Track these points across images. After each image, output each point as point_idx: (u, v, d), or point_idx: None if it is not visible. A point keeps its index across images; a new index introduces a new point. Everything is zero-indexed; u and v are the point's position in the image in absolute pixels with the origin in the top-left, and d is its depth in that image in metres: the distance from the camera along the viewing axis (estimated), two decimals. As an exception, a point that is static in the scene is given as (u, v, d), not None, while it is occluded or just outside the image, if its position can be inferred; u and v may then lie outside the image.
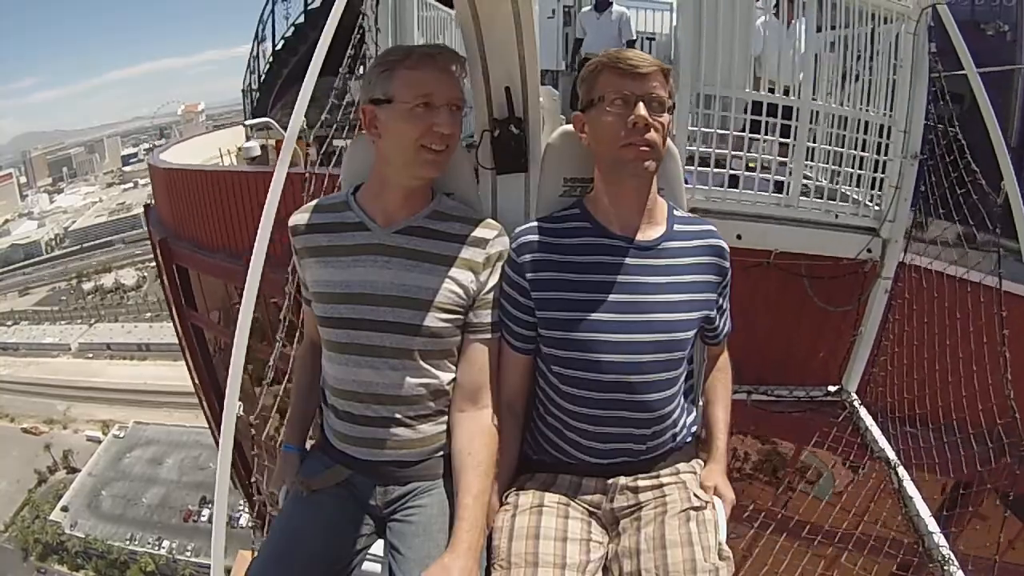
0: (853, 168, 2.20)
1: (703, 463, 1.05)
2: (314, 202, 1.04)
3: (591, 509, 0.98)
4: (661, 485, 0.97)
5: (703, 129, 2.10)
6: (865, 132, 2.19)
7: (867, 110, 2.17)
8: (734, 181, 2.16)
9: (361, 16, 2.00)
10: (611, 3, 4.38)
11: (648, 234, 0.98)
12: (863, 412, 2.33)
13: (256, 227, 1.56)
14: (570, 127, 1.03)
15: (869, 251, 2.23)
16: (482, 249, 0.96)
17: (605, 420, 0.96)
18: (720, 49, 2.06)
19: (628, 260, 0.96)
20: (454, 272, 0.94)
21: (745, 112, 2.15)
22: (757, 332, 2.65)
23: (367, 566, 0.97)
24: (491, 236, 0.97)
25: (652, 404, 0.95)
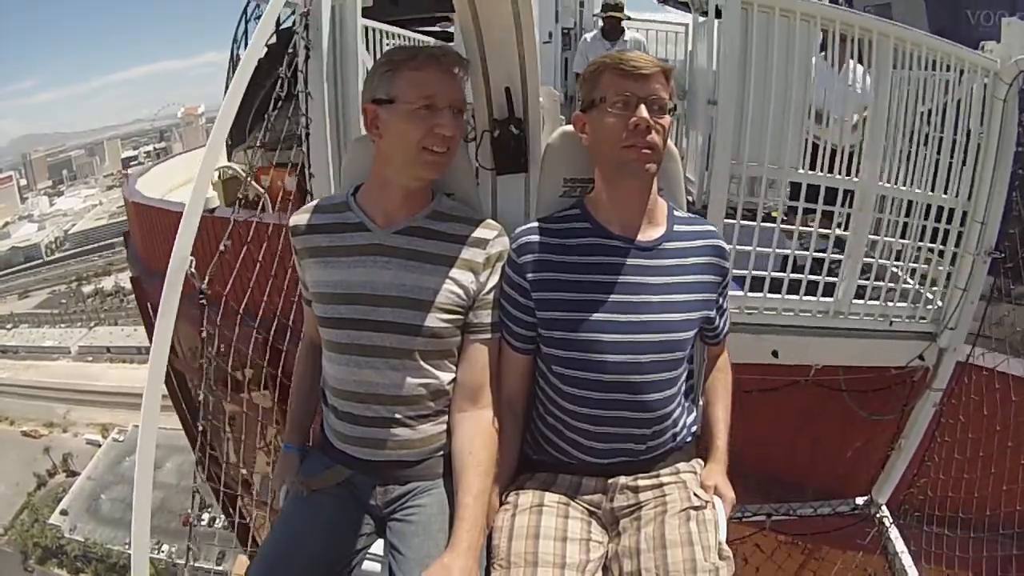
0: (916, 263, 1.83)
1: (703, 463, 1.04)
2: (314, 202, 1.04)
3: (591, 509, 0.98)
4: (661, 485, 0.97)
5: (742, 222, 1.69)
6: (930, 218, 1.79)
7: (938, 192, 1.78)
8: (773, 285, 1.77)
9: (284, 72, 1.65)
10: (623, 28, 3.69)
11: (648, 234, 0.98)
12: (894, 533, 2.06)
13: (229, 275, 1.49)
14: (570, 127, 1.03)
15: (922, 359, 1.88)
16: (482, 249, 0.96)
17: (605, 420, 0.96)
18: (771, 114, 1.67)
19: (628, 260, 0.96)
20: (454, 272, 0.94)
21: (795, 198, 1.75)
22: (777, 443, 2.33)
23: (367, 566, 0.97)
24: (491, 236, 0.97)
25: (652, 404, 0.95)
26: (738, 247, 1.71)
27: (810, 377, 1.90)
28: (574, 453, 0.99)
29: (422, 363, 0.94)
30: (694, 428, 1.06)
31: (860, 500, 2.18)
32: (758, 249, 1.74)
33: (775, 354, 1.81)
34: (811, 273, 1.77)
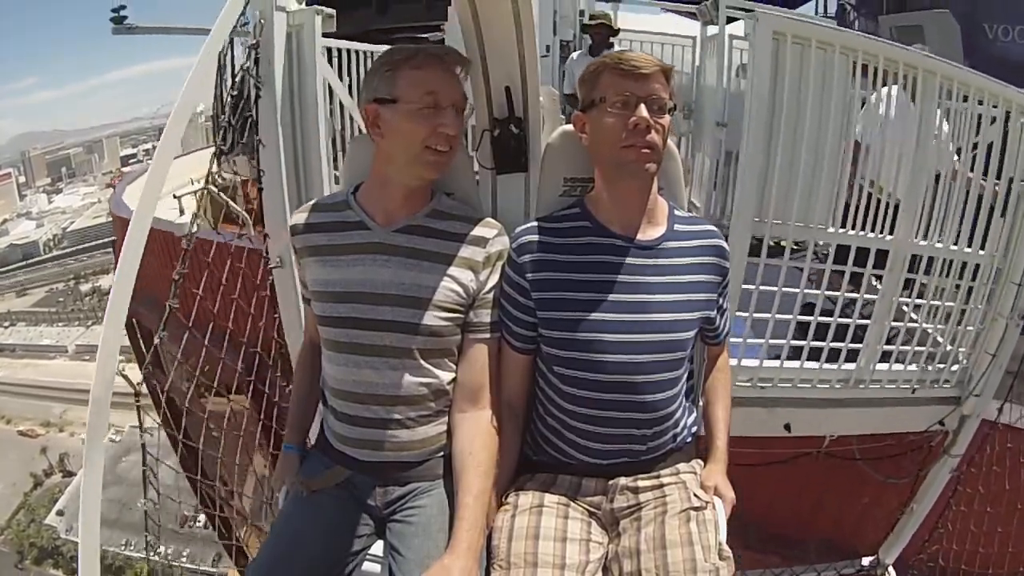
0: (944, 324, 1.67)
1: (703, 463, 1.04)
2: (313, 201, 1.04)
3: (591, 509, 0.97)
4: (661, 485, 0.97)
5: (762, 287, 1.54)
6: (953, 274, 1.63)
7: (975, 249, 1.62)
8: (791, 351, 1.62)
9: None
10: (612, 43, 3.43)
11: (649, 234, 0.98)
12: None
13: (214, 300, 1.40)
14: (570, 127, 1.03)
15: (942, 424, 1.74)
16: (482, 248, 0.96)
17: (606, 420, 0.96)
18: (802, 165, 1.47)
19: (629, 260, 0.96)
20: (454, 271, 0.94)
21: (820, 260, 1.58)
22: (781, 501, 2.17)
23: (367, 566, 0.97)
24: (491, 235, 0.97)
25: (653, 404, 0.95)
26: (755, 314, 1.57)
27: (823, 449, 1.76)
28: (574, 454, 0.99)
29: (422, 362, 0.93)
30: (694, 428, 1.06)
31: (866, 560, 2.04)
32: (778, 316, 1.58)
33: (787, 427, 1.66)
34: (831, 339, 1.62)
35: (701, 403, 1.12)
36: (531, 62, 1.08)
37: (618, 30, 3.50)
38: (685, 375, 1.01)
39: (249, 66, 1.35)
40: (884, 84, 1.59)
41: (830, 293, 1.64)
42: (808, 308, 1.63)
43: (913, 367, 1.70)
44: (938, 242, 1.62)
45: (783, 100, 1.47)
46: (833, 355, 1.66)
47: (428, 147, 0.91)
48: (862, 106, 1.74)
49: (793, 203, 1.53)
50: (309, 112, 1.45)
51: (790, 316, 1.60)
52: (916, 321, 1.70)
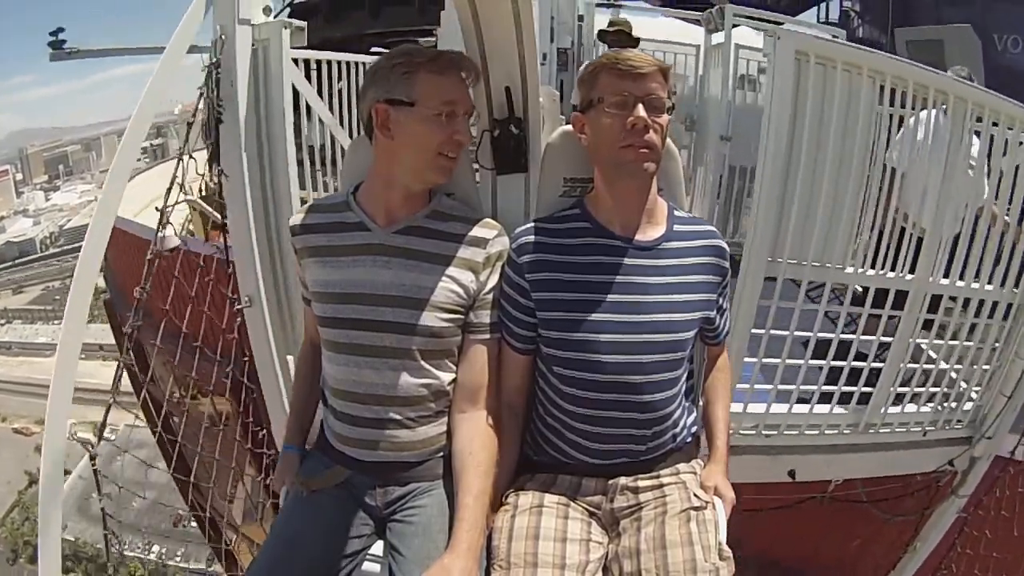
0: (960, 364, 1.60)
1: (703, 463, 1.04)
2: (313, 201, 1.04)
3: (591, 509, 0.97)
4: (661, 485, 0.97)
5: (773, 331, 1.45)
6: (978, 314, 1.55)
7: (995, 287, 1.54)
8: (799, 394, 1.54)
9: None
10: None
11: (648, 234, 0.98)
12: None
13: (201, 311, 1.35)
14: (569, 127, 1.03)
15: (951, 464, 1.68)
16: (482, 249, 0.96)
17: (606, 420, 0.96)
18: (823, 198, 1.36)
19: (628, 260, 0.96)
20: (454, 272, 0.94)
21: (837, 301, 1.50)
22: (780, 543, 2.12)
23: (367, 566, 0.97)
24: (491, 236, 0.97)
25: (653, 404, 0.95)
26: (765, 359, 1.48)
27: (828, 493, 1.70)
28: (574, 454, 0.99)
29: (422, 363, 0.93)
30: (694, 428, 1.06)
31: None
32: (788, 361, 1.49)
33: (792, 474, 1.60)
34: (844, 382, 1.54)
35: (701, 403, 1.12)
36: (531, 62, 1.08)
37: (638, 39, 3.18)
38: (685, 375, 1.01)
39: (209, 88, 1.21)
40: (923, 107, 1.47)
41: (845, 336, 1.53)
42: (819, 349, 1.56)
43: (927, 407, 1.62)
44: (961, 280, 1.51)
45: (804, 126, 1.34)
46: (843, 397, 1.58)
47: (441, 153, 0.92)
48: (896, 129, 1.59)
49: (811, 240, 1.40)
50: (277, 139, 1.29)
51: (801, 361, 1.50)
52: (933, 362, 1.61)
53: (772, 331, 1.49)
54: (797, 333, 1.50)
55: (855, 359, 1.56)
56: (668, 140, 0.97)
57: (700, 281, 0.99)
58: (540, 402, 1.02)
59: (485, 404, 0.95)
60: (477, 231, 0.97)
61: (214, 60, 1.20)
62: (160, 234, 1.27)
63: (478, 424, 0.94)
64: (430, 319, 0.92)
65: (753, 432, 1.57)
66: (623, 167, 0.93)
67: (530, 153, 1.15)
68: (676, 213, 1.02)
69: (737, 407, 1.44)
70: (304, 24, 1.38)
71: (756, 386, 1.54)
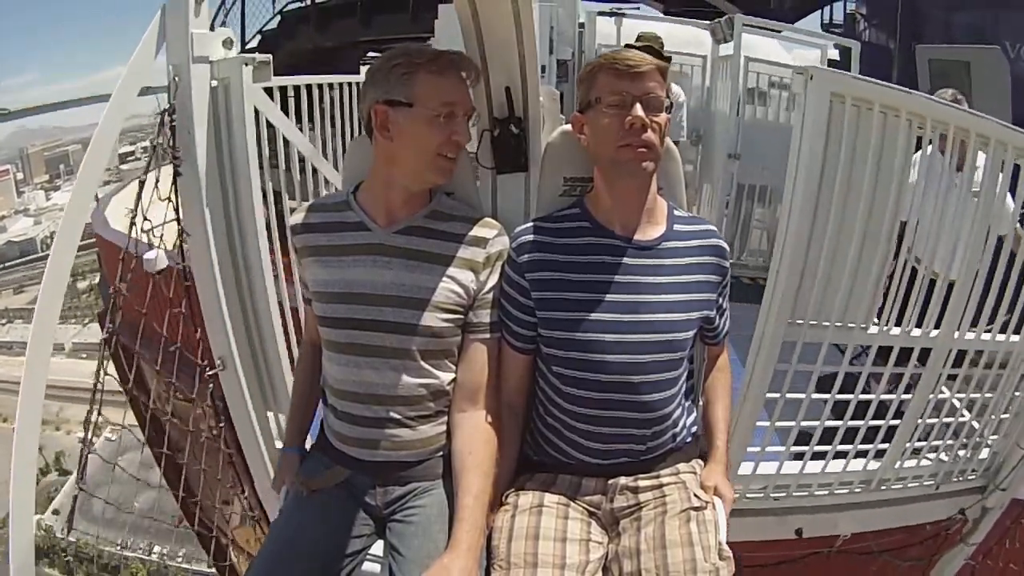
0: (977, 415, 1.52)
1: (703, 463, 1.04)
2: (314, 201, 1.04)
3: (591, 509, 0.97)
4: (661, 485, 0.97)
5: (789, 395, 1.37)
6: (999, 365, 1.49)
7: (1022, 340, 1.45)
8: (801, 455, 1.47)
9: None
10: None
11: (648, 234, 0.98)
12: None
13: (178, 326, 1.22)
14: (569, 127, 1.03)
15: (963, 513, 1.62)
16: (482, 248, 0.96)
17: (605, 420, 0.96)
18: (851, 253, 1.25)
19: (628, 260, 0.96)
20: (454, 271, 0.94)
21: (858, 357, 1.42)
22: None
23: (367, 566, 0.97)
24: (491, 236, 0.97)
25: (653, 404, 0.95)
26: (779, 423, 1.40)
27: (835, 548, 1.60)
28: (574, 453, 0.99)
29: (422, 363, 0.93)
30: (694, 428, 1.06)
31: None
32: (803, 424, 1.41)
33: (799, 532, 1.52)
34: (852, 439, 1.46)
35: (701, 403, 1.12)
36: (531, 62, 1.08)
37: (669, 57, 3.26)
38: (685, 375, 1.01)
39: (163, 137, 1.07)
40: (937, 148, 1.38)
41: (864, 397, 1.44)
42: (833, 406, 1.47)
43: (943, 458, 1.56)
44: (986, 332, 1.42)
45: (835, 175, 1.21)
46: (855, 452, 1.52)
47: (440, 155, 0.92)
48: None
49: (834, 300, 1.28)
50: (243, 192, 1.14)
51: (816, 423, 1.41)
52: (953, 415, 1.54)
53: (789, 395, 1.38)
54: (815, 396, 1.40)
55: (866, 413, 1.48)
56: (668, 139, 0.97)
57: (700, 281, 0.99)
58: (540, 402, 1.02)
59: (485, 404, 0.95)
60: (477, 231, 0.97)
61: (168, 106, 1.07)
62: (147, 255, 1.18)
63: (478, 424, 0.94)
64: (430, 319, 0.92)
65: (761, 494, 1.49)
66: (622, 167, 0.93)
67: (530, 153, 1.14)
68: (676, 213, 1.02)
69: (746, 468, 1.40)
70: (268, 57, 1.26)
71: (768, 448, 1.46)
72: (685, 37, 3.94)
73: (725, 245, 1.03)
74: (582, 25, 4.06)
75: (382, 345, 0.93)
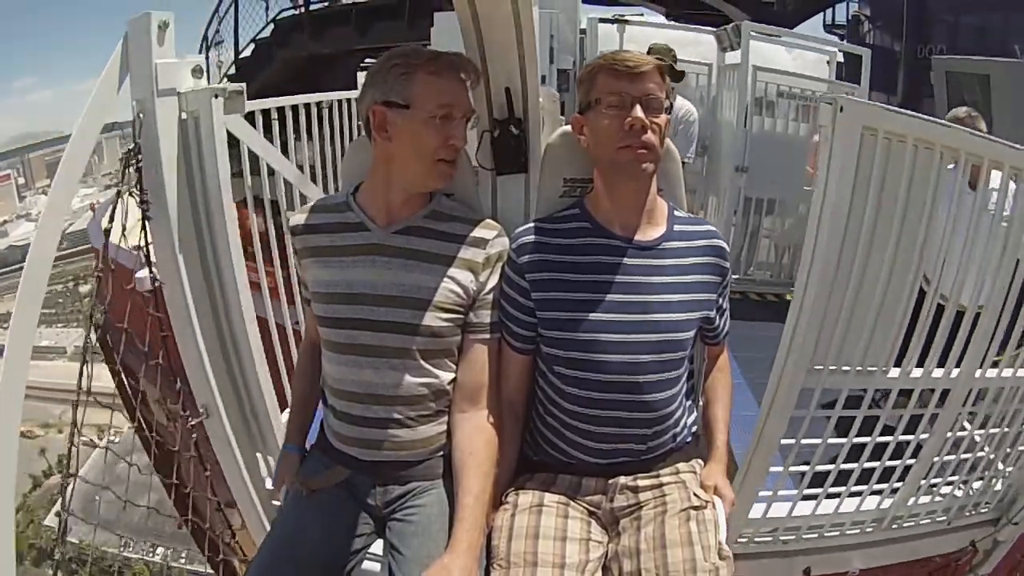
0: (992, 450, 1.47)
1: (703, 463, 1.04)
2: (314, 202, 1.05)
3: (591, 509, 0.98)
4: (661, 485, 0.97)
5: (804, 440, 1.32)
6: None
7: None
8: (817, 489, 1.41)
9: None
10: (671, 88, 2.69)
11: (648, 234, 0.98)
12: None
13: (145, 338, 1.14)
14: (569, 128, 1.03)
15: (973, 546, 1.58)
16: (482, 249, 0.96)
17: (606, 420, 0.96)
18: (877, 295, 1.17)
19: (628, 260, 0.96)
20: (454, 272, 0.94)
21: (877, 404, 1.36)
22: None
23: (367, 566, 0.98)
24: (491, 236, 0.97)
25: (653, 404, 0.96)
26: (792, 468, 1.35)
27: None
28: (574, 453, 0.99)
29: (422, 363, 0.94)
30: (694, 428, 1.06)
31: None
32: (818, 469, 1.36)
33: (807, 572, 1.47)
34: (867, 478, 1.41)
35: (701, 403, 1.12)
36: (531, 63, 1.08)
37: (682, 73, 2.81)
38: (685, 375, 1.01)
39: (128, 177, 0.97)
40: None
41: (883, 439, 1.38)
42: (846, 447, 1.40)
43: (957, 493, 1.52)
44: (1007, 371, 1.35)
45: (861, 214, 1.12)
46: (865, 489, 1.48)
47: (439, 159, 0.92)
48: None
49: (856, 344, 1.21)
50: (219, 231, 1.05)
51: (831, 466, 1.35)
52: (971, 450, 1.48)
53: (804, 441, 1.32)
54: (831, 441, 1.34)
55: (883, 454, 1.43)
56: (667, 140, 0.97)
57: (700, 281, 0.99)
58: (540, 402, 1.02)
59: (485, 404, 0.96)
60: (477, 231, 0.97)
61: (133, 145, 0.99)
62: (139, 275, 1.11)
63: (478, 424, 0.94)
64: (430, 319, 0.92)
65: (770, 538, 1.43)
66: (622, 168, 0.93)
67: (530, 153, 1.15)
68: (676, 213, 1.03)
69: (757, 511, 1.35)
70: (241, 87, 1.14)
71: (780, 492, 1.41)
72: (689, 42, 3.90)
73: (725, 245, 1.03)
74: (583, 31, 3.94)
75: (382, 345, 0.93)
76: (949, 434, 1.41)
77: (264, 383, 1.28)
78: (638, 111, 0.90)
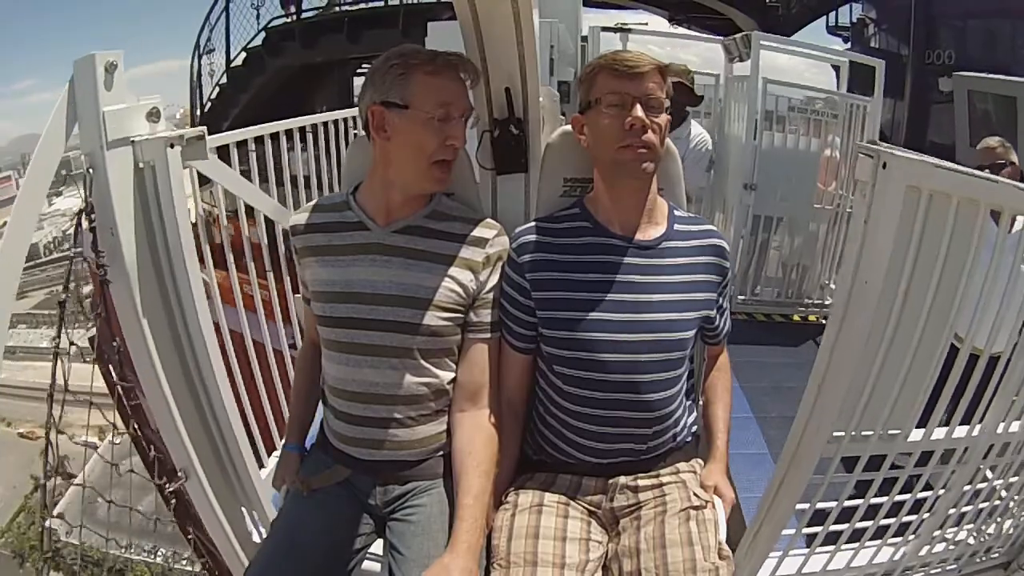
0: (1010, 498, 1.40)
1: (703, 463, 1.04)
2: (314, 201, 1.04)
3: (591, 509, 0.97)
4: (661, 484, 0.97)
5: (822, 504, 1.25)
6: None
7: None
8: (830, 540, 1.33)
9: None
10: (687, 112, 2.56)
11: (648, 234, 0.98)
12: None
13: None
14: (570, 127, 1.03)
15: None
16: (482, 249, 0.96)
17: (606, 420, 0.96)
18: (908, 360, 1.08)
19: (628, 260, 0.96)
20: (453, 271, 0.94)
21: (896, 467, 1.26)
22: None
23: (367, 565, 0.98)
24: (491, 236, 0.97)
25: (653, 404, 0.95)
26: (806, 530, 1.31)
27: None
28: (574, 453, 0.99)
29: (422, 362, 0.93)
30: (694, 428, 1.06)
31: None
32: (832, 528, 1.30)
33: None
34: (881, 534, 1.35)
35: (701, 402, 1.12)
36: (531, 62, 1.07)
37: (701, 97, 2.71)
38: (685, 375, 1.01)
39: (79, 238, 0.88)
40: None
41: (900, 497, 1.31)
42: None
43: (970, 541, 1.45)
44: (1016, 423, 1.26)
45: (899, 277, 1.01)
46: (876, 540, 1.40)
47: (436, 161, 0.91)
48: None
49: (879, 411, 1.13)
50: (184, 289, 0.97)
51: (845, 526, 1.30)
52: (988, 499, 1.42)
53: (823, 503, 1.26)
54: (847, 504, 1.28)
55: (895, 510, 1.35)
56: (668, 140, 0.97)
57: (700, 280, 0.99)
58: (540, 401, 1.02)
59: (485, 403, 0.96)
60: (477, 231, 0.97)
61: (85, 204, 0.88)
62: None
63: (478, 423, 0.94)
64: (430, 318, 0.92)
65: None
66: (622, 167, 0.93)
67: (530, 153, 1.14)
68: (676, 213, 1.02)
69: (767, 568, 1.31)
70: (201, 131, 1.02)
71: (792, 551, 1.34)
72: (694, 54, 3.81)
73: (726, 245, 1.03)
74: (584, 39, 3.70)
75: (382, 344, 0.93)
76: (967, 487, 1.35)
77: (242, 440, 1.21)
78: (638, 111, 0.90)
